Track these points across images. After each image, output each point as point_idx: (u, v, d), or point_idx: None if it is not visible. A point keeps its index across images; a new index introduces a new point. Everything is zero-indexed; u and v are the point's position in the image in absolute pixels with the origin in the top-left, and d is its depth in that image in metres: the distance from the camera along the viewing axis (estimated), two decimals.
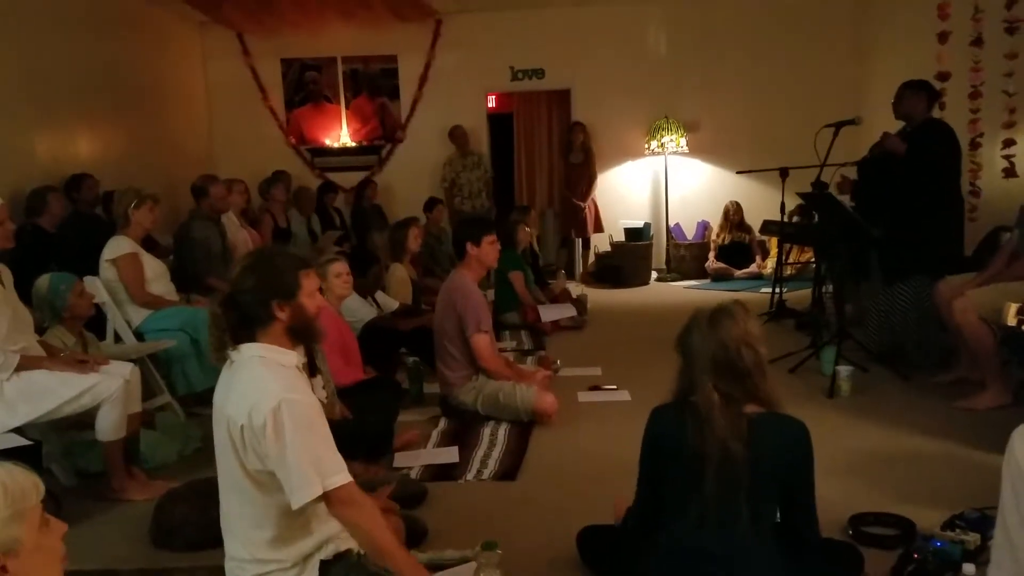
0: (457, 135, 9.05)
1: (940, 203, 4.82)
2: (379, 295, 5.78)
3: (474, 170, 9.07)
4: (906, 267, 4.91)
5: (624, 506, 2.71)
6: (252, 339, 2.26)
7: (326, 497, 2.13)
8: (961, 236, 5.07)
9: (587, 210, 9.09)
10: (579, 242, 9.37)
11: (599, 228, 9.24)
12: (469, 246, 4.46)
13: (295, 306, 2.27)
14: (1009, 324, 3.55)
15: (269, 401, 2.11)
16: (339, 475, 2.16)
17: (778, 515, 2.33)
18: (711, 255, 9.06)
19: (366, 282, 5.56)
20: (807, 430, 2.28)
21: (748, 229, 8.99)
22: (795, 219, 7.48)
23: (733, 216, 9.01)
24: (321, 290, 2.44)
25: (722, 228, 9.09)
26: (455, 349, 4.43)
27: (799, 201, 6.58)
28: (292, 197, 7.90)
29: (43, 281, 3.88)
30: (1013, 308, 3.49)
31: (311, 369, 3.43)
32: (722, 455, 2.17)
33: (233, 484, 2.23)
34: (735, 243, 9.00)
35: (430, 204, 8.28)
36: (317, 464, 2.12)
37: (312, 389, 2.72)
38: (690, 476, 2.23)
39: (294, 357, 2.32)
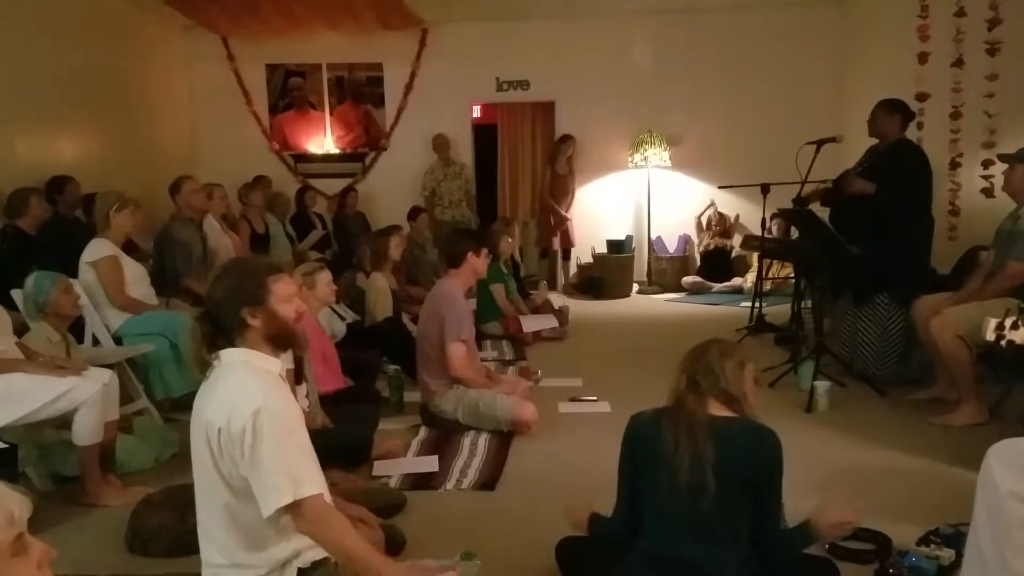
0: (439, 143, 9.05)
1: (909, 223, 4.86)
2: (340, 306, 5.76)
3: (455, 179, 9.06)
4: (874, 286, 4.96)
5: (579, 514, 2.70)
6: (232, 346, 2.26)
7: (295, 509, 2.12)
8: (928, 256, 5.11)
9: (571, 221, 9.11)
10: (560, 253, 9.37)
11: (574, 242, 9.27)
12: (470, 255, 4.49)
13: (267, 312, 2.26)
14: (988, 338, 3.58)
15: (249, 406, 2.10)
16: (311, 486, 2.15)
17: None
18: (698, 251, 9.15)
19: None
20: (777, 438, 2.31)
21: (731, 236, 9.09)
22: (775, 221, 7.54)
23: (716, 226, 9.09)
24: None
25: (703, 236, 9.17)
26: (436, 356, 4.42)
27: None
28: (268, 202, 7.87)
29: (29, 278, 3.88)
30: (992, 322, 3.53)
31: (297, 376, 3.44)
32: (691, 458, 2.22)
33: (209, 489, 2.21)
34: (718, 249, 9.06)
35: (414, 213, 8.27)
36: (291, 472, 2.11)
37: (296, 397, 2.71)
38: (664, 482, 2.27)
39: (278, 364, 2.32)
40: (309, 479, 2.15)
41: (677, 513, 2.26)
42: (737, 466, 2.24)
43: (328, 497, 2.36)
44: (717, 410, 2.34)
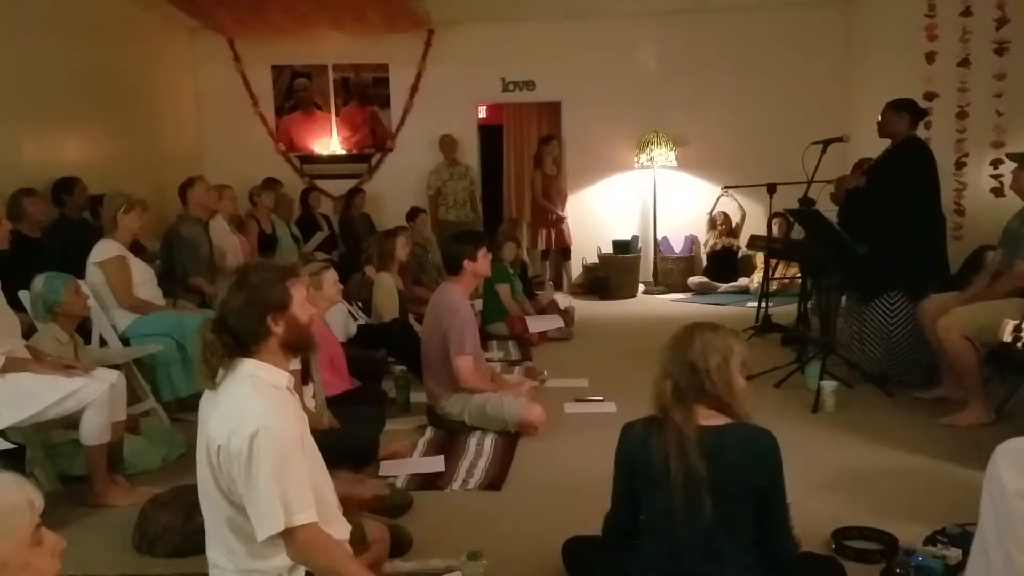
0: (446, 144, 9.06)
1: (916, 220, 4.84)
2: (354, 307, 5.79)
3: (460, 180, 9.06)
4: (883, 284, 4.95)
5: None
6: (247, 355, 2.22)
7: (287, 536, 2.09)
8: (943, 253, 5.09)
9: (567, 221, 9.10)
10: (560, 254, 9.36)
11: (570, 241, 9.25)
12: (467, 263, 4.44)
13: (289, 318, 2.24)
14: (1004, 340, 3.57)
15: (249, 427, 2.07)
16: (304, 513, 2.10)
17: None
18: (704, 252, 9.17)
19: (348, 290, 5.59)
20: (773, 439, 2.24)
21: (737, 236, 9.11)
22: (776, 220, 7.55)
23: (721, 226, 9.10)
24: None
25: (709, 236, 9.18)
26: (440, 364, 4.42)
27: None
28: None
29: (39, 279, 3.87)
30: (1010, 325, 3.52)
31: (304, 377, 3.44)
32: (684, 477, 2.15)
33: (212, 500, 2.21)
34: (724, 249, 9.06)
35: (412, 214, 8.26)
36: (284, 499, 2.08)
37: (303, 397, 2.70)
38: (661, 502, 2.22)
39: (286, 377, 2.29)
40: (302, 507, 2.11)
41: (676, 531, 2.22)
42: (733, 480, 2.18)
43: (335, 503, 2.37)
44: (706, 418, 2.24)
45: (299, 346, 2.32)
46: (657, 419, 2.29)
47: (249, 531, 2.14)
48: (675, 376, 2.27)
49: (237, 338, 2.21)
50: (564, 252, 9.29)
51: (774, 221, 7.52)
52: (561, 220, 8.97)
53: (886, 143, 5.08)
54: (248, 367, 2.21)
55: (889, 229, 4.77)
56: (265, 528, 2.07)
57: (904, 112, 4.95)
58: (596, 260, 9.20)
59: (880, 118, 5.04)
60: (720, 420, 2.26)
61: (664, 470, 2.19)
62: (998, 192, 5.79)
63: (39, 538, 1.44)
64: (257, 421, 2.08)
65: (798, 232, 6.75)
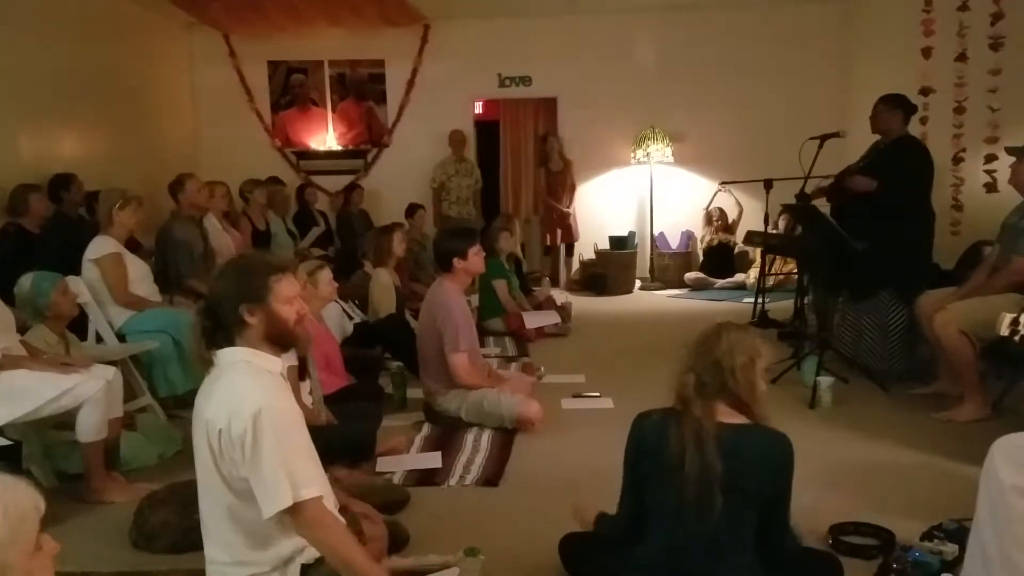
0: (455, 139, 9.03)
1: (910, 220, 4.84)
2: (350, 305, 5.78)
3: (466, 177, 9.05)
4: (876, 282, 4.94)
5: (587, 514, 2.71)
6: (232, 344, 2.26)
7: (295, 511, 2.12)
8: (930, 250, 5.08)
9: (572, 216, 9.11)
10: (563, 249, 9.38)
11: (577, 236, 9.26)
12: (456, 261, 4.42)
13: (266, 311, 2.25)
14: (1002, 334, 3.57)
15: (250, 408, 2.10)
16: (311, 488, 2.15)
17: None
18: (700, 247, 9.20)
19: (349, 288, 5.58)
20: (790, 445, 2.24)
21: (734, 232, 9.12)
22: (781, 216, 7.55)
23: (717, 221, 9.11)
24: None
25: (705, 232, 9.19)
26: (436, 361, 4.41)
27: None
28: (268, 199, 7.84)
29: (26, 279, 3.85)
30: (1007, 318, 3.52)
31: (301, 373, 3.44)
32: (699, 472, 2.14)
33: (211, 488, 2.22)
34: (722, 244, 9.07)
35: (411, 210, 8.28)
36: (291, 475, 2.11)
37: (300, 393, 2.70)
38: (670, 495, 2.21)
39: (279, 364, 2.32)
40: (309, 481, 2.15)
41: (682, 526, 2.21)
42: (747, 481, 2.17)
43: (332, 499, 2.37)
44: (726, 416, 2.23)
45: (281, 341, 2.33)
46: (675, 411, 2.27)
47: (248, 517, 2.16)
48: (698, 370, 2.25)
49: (218, 324, 2.26)
50: (568, 248, 9.31)
51: (780, 216, 7.53)
52: (566, 216, 8.98)
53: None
54: (241, 354, 2.25)
55: (884, 228, 4.77)
56: (273, 504, 2.10)
57: (897, 109, 4.95)
58: (593, 256, 9.20)
59: (873, 114, 5.04)
60: (740, 419, 2.25)
61: (679, 463, 2.17)
62: (991, 188, 5.80)
63: (40, 544, 1.45)
64: (258, 402, 2.11)
65: None
